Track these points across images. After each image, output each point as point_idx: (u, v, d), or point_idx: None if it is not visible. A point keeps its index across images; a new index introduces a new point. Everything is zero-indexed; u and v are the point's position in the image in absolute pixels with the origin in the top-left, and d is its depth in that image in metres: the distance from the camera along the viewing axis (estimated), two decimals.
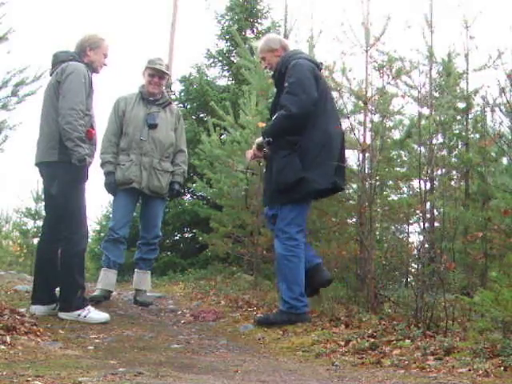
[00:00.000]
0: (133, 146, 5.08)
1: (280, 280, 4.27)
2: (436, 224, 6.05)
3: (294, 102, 4.12)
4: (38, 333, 3.61)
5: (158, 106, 5.21)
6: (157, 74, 5.16)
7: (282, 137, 4.19)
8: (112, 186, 5.11)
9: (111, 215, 5.55)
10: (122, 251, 5.15)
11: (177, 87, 10.13)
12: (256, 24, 10.22)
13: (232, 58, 10.12)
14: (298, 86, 4.13)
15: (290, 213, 4.23)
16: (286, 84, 4.18)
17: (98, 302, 4.86)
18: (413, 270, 4.92)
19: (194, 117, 9.65)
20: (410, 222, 5.82)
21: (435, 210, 6.11)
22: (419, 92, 5.64)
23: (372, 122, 5.06)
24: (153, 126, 5.11)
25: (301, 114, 4.11)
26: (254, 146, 4.45)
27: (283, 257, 4.21)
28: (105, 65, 4.46)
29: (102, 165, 5.12)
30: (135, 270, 5.30)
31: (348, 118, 5.20)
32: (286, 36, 6.32)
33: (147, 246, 5.23)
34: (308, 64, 4.28)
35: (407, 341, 3.40)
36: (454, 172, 6.47)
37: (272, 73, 4.57)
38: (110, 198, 5.83)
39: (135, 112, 5.14)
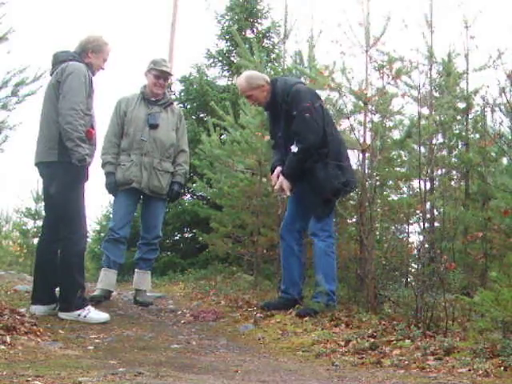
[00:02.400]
0: (134, 147, 5.09)
1: (320, 274, 4.48)
2: (436, 224, 6.04)
3: (311, 130, 4.42)
4: (38, 333, 3.61)
5: (159, 106, 5.21)
6: (162, 75, 5.17)
7: (312, 155, 4.47)
8: (112, 186, 5.11)
9: (111, 215, 5.55)
10: (122, 251, 5.15)
11: (177, 87, 10.13)
12: (256, 24, 10.21)
13: (232, 58, 10.11)
14: (310, 110, 4.42)
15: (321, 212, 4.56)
16: (295, 112, 4.45)
17: (98, 302, 4.86)
18: (413, 270, 4.92)
19: (194, 117, 9.64)
20: (410, 222, 5.81)
21: (435, 210, 6.11)
22: (419, 92, 5.63)
23: (372, 122, 5.05)
24: (154, 126, 5.10)
25: (317, 140, 4.43)
26: (281, 177, 4.69)
27: (325, 253, 4.51)
28: (102, 69, 4.49)
29: (103, 165, 5.12)
30: (135, 269, 5.30)
31: (348, 118, 5.19)
32: (285, 36, 6.30)
33: (147, 246, 5.23)
34: (307, 88, 4.68)
35: (407, 341, 3.40)
36: (454, 172, 6.46)
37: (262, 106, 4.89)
38: (111, 198, 5.84)
39: (136, 112, 5.14)
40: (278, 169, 4.68)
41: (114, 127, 5.18)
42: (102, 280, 5.08)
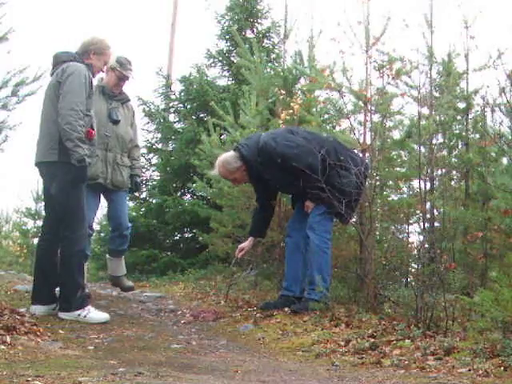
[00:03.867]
0: (97, 141, 5.10)
1: (314, 270, 4.45)
2: (436, 224, 6.03)
3: (305, 154, 4.43)
4: (38, 333, 3.62)
5: (117, 101, 5.30)
6: (126, 79, 5.28)
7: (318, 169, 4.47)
8: None
9: None
10: (90, 245, 5.50)
11: (177, 87, 10.12)
12: (256, 24, 10.19)
13: (232, 58, 10.10)
14: (288, 146, 4.49)
15: (328, 209, 4.55)
16: (279, 160, 4.48)
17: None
18: (413, 270, 4.92)
19: (194, 117, 9.63)
20: (410, 222, 5.80)
21: (435, 210, 6.09)
22: (419, 92, 5.62)
23: (372, 122, 5.05)
24: (116, 122, 5.21)
25: (315, 158, 4.40)
26: (249, 244, 4.97)
27: (320, 248, 4.50)
28: (102, 71, 4.53)
29: None
30: (108, 257, 5.50)
31: (348, 118, 5.20)
32: (286, 36, 6.29)
33: (121, 238, 5.38)
34: (268, 134, 4.76)
35: (407, 341, 3.40)
36: (454, 172, 6.45)
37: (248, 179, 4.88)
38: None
39: (98, 106, 5.10)
40: (247, 243, 4.96)
41: None
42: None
